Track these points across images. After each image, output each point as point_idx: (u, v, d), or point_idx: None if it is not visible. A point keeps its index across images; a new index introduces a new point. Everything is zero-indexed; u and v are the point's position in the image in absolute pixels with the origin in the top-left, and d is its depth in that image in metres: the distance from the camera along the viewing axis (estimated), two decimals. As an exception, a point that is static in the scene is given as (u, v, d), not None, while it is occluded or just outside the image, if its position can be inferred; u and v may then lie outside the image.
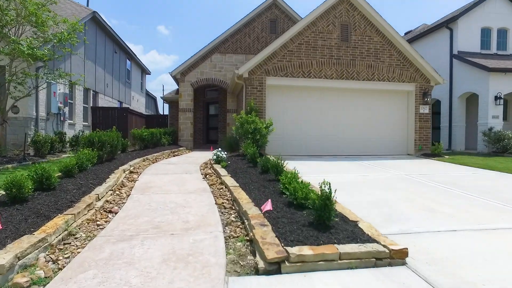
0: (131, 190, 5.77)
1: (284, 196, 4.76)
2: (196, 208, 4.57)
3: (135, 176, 6.97)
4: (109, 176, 6.03)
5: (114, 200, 4.98)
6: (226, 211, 4.53)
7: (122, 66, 20.67)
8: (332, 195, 3.44)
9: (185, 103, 14.52)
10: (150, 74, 29.33)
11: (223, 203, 4.89)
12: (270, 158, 6.92)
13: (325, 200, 3.41)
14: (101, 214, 4.28)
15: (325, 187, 3.50)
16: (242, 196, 4.74)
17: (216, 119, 17.11)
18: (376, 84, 11.31)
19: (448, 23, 14.98)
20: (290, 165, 7.29)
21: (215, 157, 7.99)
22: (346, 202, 4.66)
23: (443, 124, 15.29)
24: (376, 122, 11.69)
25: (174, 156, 11.00)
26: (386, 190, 5.88)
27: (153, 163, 8.98)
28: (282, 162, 6.19)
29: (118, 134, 8.06)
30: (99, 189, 5.02)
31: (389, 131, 11.81)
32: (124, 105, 21.33)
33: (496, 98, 12.87)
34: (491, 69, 12.74)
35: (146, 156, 9.27)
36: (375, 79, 11.27)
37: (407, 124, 11.97)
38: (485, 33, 14.87)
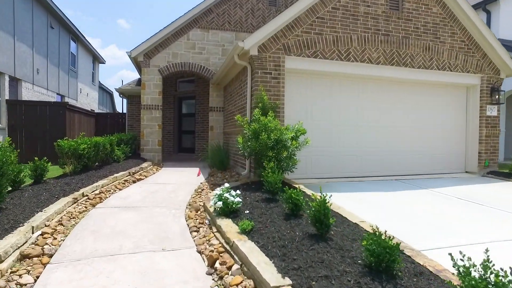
0: None
1: None
2: None
3: (33, 270, 2.77)
4: None
5: None
6: None
7: (64, 48, 15.66)
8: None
9: (150, 97, 10.18)
10: (104, 63, 24.14)
11: None
12: (306, 192, 3.07)
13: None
14: None
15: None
16: None
17: (192, 120, 12.89)
18: (432, 74, 7.89)
19: (486, 4, 12.11)
20: (335, 200, 3.51)
21: (218, 202, 3.93)
22: None
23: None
24: (427, 128, 8.29)
25: (134, 182, 6.72)
26: None
27: (93, 207, 4.71)
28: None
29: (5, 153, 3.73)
30: None
31: (443, 140, 8.47)
32: (68, 100, 16.31)
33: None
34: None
35: (81, 191, 4.99)
36: (433, 67, 7.84)
37: (465, 131, 8.71)
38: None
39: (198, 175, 7.13)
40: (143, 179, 7.06)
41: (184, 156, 12.64)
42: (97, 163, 7.23)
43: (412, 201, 5.40)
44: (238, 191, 4.19)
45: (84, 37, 18.41)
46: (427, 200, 5.43)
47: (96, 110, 23.19)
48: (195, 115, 12.56)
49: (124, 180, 6.53)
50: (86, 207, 4.58)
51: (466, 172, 8.64)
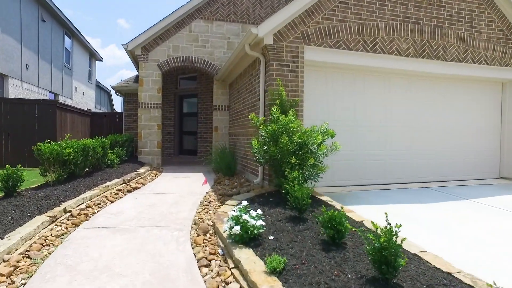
0: None
1: None
2: None
3: None
4: None
5: None
6: None
7: (57, 44, 14.72)
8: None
9: (149, 94, 9.26)
10: (102, 61, 23.21)
11: None
12: (342, 212, 2.13)
13: None
14: None
15: None
16: None
17: (194, 120, 11.97)
18: (466, 68, 6.98)
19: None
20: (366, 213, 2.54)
21: (235, 227, 2.98)
22: None
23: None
24: (457, 129, 7.38)
25: (129, 191, 5.79)
26: None
27: (76, 227, 3.78)
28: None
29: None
30: None
31: (475, 143, 7.56)
32: (62, 99, 15.39)
33: None
34: None
35: (62, 206, 4.08)
36: (467, 60, 6.93)
37: (500, 133, 7.80)
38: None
39: (203, 184, 6.22)
40: (139, 187, 6.13)
41: (186, 159, 11.72)
42: (87, 169, 6.31)
43: (461, 216, 4.49)
44: (258, 210, 3.26)
45: (80, 33, 17.48)
46: (479, 216, 4.51)
47: (93, 110, 22.26)
48: (197, 115, 11.64)
49: (118, 190, 5.60)
50: (66, 228, 3.66)
51: (501, 178, 7.74)
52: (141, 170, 7.56)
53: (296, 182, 3.84)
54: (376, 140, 6.71)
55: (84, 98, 20.23)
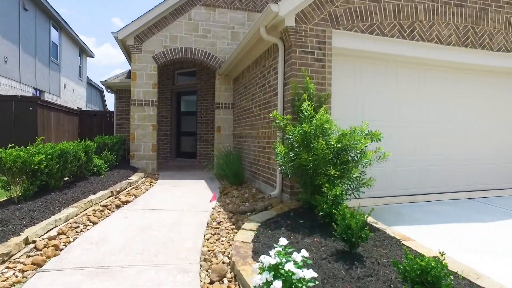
0: None
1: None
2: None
3: None
4: None
5: None
6: None
7: (42, 36, 13.52)
8: None
9: (143, 90, 8.16)
10: (93, 57, 21.99)
11: None
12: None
13: None
14: None
15: None
16: None
17: (193, 119, 10.87)
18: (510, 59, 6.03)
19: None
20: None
21: (276, 283, 1.93)
22: None
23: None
24: (499, 130, 6.41)
25: (117, 207, 4.68)
26: None
27: (37, 269, 2.69)
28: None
29: None
30: None
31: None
32: (48, 96, 14.20)
33: None
34: None
35: (23, 235, 3.01)
36: (515, 50, 5.97)
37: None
38: None
39: (211, 200, 5.14)
40: (131, 201, 5.04)
41: (184, 162, 10.63)
42: (67, 178, 5.21)
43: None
44: (302, 252, 2.22)
45: (69, 26, 16.27)
46: None
47: (84, 109, 21.03)
48: (196, 114, 10.55)
49: (103, 206, 4.51)
50: (23, 272, 2.58)
51: (545, 186, 6.78)
52: (134, 177, 6.47)
53: (343, 204, 2.81)
54: (410, 143, 5.71)
55: (74, 96, 19.01)
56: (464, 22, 5.58)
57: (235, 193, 5.66)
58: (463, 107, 6.04)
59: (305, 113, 3.68)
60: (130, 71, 10.18)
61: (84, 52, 20.49)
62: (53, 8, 13.46)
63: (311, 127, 3.52)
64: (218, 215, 4.39)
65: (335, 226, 2.80)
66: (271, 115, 4.13)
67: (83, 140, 5.96)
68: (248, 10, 8.77)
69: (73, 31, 17.00)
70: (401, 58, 5.48)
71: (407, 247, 3.01)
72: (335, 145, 3.46)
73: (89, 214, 4.11)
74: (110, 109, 24.66)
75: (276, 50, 5.12)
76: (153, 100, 8.21)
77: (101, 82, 10.42)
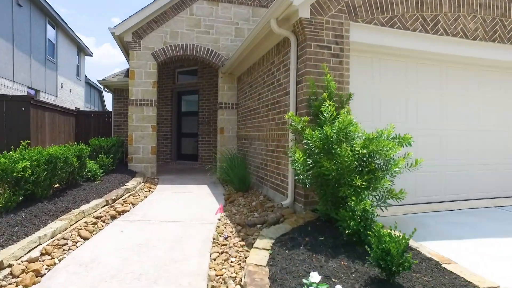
0: None
1: None
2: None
3: None
4: None
5: None
6: None
7: (38, 33, 13.05)
8: None
9: (141, 89, 7.70)
10: (92, 56, 21.53)
11: None
12: None
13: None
14: None
15: None
16: None
17: (194, 120, 10.42)
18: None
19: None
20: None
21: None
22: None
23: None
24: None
25: (113, 218, 4.21)
26: None
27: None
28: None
29: None
30: None
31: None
32: (44, 96, 13.75)
33: None
34: None
35: (-2, 258, 2.54)
36: (544, 46, 5.51)
37: None
38: None
39: (217, 212, 4.65)
40: (127, 210, 4.58)
41: (185, 165, 10.16)
42: (58, 185, 4.74)
43: None
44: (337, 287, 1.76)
45: (66, 23, 15.80)
46: None
47: (82, 109, 20.57)
48: (198, 114, 10.09)
49: (97, 217, 4.05)
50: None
51: None
52: (132, 183, 6.01)
53: (377, 224, 2.36)
54: (429, 147, 5.25)
55: (71, 96, 18.53)
56: (492, 14, 5.13)
57: (242, 201, 5.21)
58: (488, 108, 5.58)
59: (326, 115, 3.22)
60: (128, 69, 9.72)
61: (82, 50, 20.02)
62: (48, 4, 12.99)
63: (333, 131, 3.06)
64: (225, 228, 3.93)
65: (368, 249, 2.35)
66: (285, 116, 3.68)
67: (80, 141, 5.50)
68: (253, 5, 8.31)
69: (71, 28, 16.53)
70: (422, 55, 5.03)
71: (452, 273, 2.55)
72: (360, 151, 3.01)
73: (80, 227, 3.65)
74: (110, 109, 24.23)
75: (287, 45, 4.67)
76: (152, 99, 7.75)
77: (98, 81, 9.96)
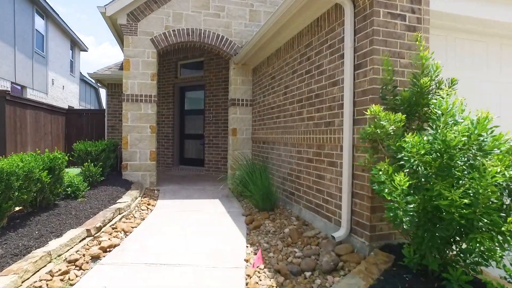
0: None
1: None
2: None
3: None
4: None
5: None
6: None
7: (24, 23, 11.75)
8: None
9: (138, 82, 6.42)
10: (87, 51, 20.21)
11: None
12: None
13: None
14: None
15: None
16: None
17: (199, 119, 9.14)
18: None
19: None
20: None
21: None
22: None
23: None
24: None
25: (95, 259, 2.95)
26: None
27: None
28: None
29: None
30: None
31: None
32: (32, 93, 12.45)
33: None
34: None
35: None
36: None
37: None
38: None
39: (254, 264, 3.07)
40: (117, 244, 3.30)
41: (190, 171, 8.89)
42: (20, 209, 3.47)
43: None
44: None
45: (58, 14, 14.50)
46: None
47: (77, 107, 19.26)
48: (204, 112, 8.81)
49: (70, 262, 2.78)
50: None
51: None
52: (125, 199, 4.73)
53: None
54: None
55: (64, 94, 17.22)
56: None
57: (270, 226, 3.94)
58: None
59: (437, 111, 1.95)
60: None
61: (76, 45, 18.70)
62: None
63: (458, 138, 1.79)
64: (259, 278, 2.66)
65: None
66: (367, 112, 2.38)
67: (71, 143, 4.23)
68: (269, -16, 7.03)
69: (63, 20, 15.22)
70: (508, 32, 3.78)
71: None
72: (505, 172, 1.74)
73: (37, 287, 2.37)
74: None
75: (337, 17, 3.40)
76: (151, 95, 6.47)
77: (89, 74, 8.67)
